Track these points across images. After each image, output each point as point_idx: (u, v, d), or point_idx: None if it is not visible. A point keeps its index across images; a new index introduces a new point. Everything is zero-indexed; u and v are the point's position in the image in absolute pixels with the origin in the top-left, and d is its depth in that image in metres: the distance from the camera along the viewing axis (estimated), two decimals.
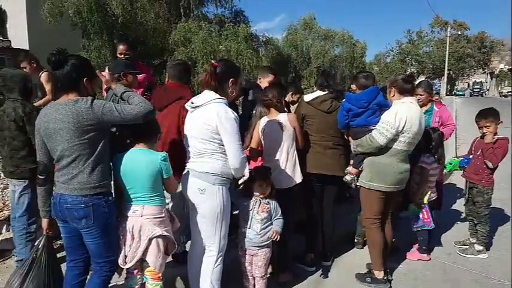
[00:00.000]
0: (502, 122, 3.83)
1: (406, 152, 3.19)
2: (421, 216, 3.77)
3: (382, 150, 3.14)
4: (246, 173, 2.62)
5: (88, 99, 2.17)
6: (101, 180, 2.22)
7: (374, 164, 3.20)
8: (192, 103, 2.61)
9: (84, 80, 2.25)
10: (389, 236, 3.48)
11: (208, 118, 2.46)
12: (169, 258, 2.92)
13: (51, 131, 2.16)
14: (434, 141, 3.77)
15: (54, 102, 2.24)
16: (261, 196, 2.90)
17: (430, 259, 3.86)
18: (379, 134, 3.08)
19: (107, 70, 3.17)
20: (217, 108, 2.46)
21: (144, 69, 4.75)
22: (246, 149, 3.43)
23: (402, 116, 3.03)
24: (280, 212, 2.96)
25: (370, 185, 3.20)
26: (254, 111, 3.66)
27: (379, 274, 3.30)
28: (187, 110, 2.69)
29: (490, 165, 3.74)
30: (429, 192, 3.79)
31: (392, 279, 3.41)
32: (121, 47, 4.71)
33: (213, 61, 2.62)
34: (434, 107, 4.62)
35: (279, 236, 2.88)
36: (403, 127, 3.03)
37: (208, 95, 2.54)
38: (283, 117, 3.18)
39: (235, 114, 2.52)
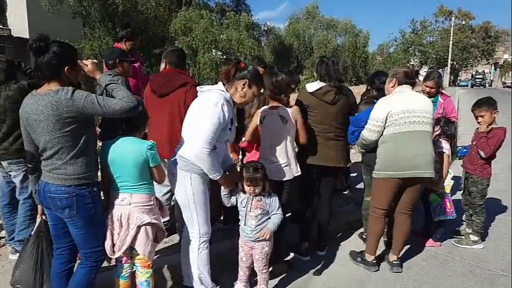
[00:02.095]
0: (497, 111, 3.73)
1: (412, 134, 3.08)
2: (444, 206, 3.77)
3: (380, 140, 3.23)
4: (214, 176, 2.54)
5: (69, 89, 2.09)
6: (86, 171, 2.19)
7: (379, 155, 3.26)
8: (201, 89, 2.76)
9: (66, 68, 2.14)
10: (406, 229, 3.40)
11: (200, 102, 2.54)
12: (160, 246, 2.92)
13: (32, 122, 2.11)
14: (450, 131, 3.80)
15: (36, 92, 2.15)
16: (252, 194, 2.74)
17: (440, 245, 3.89)
18: (367, 131, 3.26)
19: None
20: (212, 94, 2.53)
21: (138, 60, 4.68)
22: (244, 142, 3.41)
23: (380, 107, 3.20)
24: (277, 206, 2.80)
25: (377, 174, 3.25)
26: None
27: (369, 257, 3.40)
28: (193, 96, 2.79)
29: (482, 154, 3.68)
30: (452, 182, 3.79)
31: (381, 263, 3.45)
32: (137, 41, 4.65)
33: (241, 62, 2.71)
34: (440, 99, 4.51)
35: (268, 235, 2.74)
36: (387, 114, 3.13)
37: (216, 85, 2.65)
38: (285, 110, 3.07)
39: (225, 112, 2.47)
